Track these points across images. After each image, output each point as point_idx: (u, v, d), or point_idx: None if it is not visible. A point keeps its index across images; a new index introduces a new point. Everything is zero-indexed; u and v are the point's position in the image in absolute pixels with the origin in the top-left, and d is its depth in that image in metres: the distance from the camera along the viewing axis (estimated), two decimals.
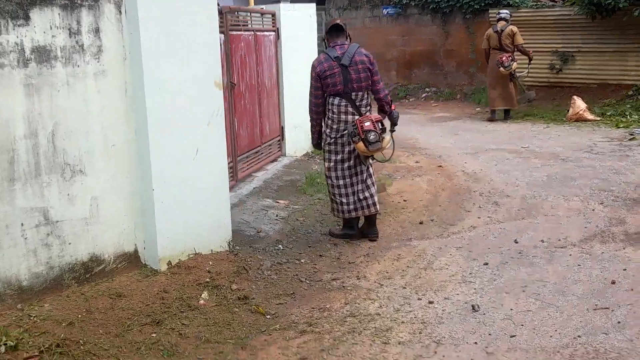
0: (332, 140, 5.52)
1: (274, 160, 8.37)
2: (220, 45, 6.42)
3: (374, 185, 5.65)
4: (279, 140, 8.57)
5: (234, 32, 6.95)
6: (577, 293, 4.33)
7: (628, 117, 10.64)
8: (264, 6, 8.56)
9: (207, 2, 4.85)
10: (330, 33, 5.57)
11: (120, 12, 4.43)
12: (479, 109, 12.85)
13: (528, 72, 12.00)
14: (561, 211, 6.15)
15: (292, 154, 8.75)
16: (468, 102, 13.88)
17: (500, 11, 11.75)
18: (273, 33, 8.25)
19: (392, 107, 5.85)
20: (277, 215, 6.25)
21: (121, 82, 4.47)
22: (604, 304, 4.14)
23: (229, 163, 6.69)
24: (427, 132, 10.80)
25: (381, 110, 5.74)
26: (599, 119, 10.82)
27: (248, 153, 7.48)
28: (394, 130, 5.99)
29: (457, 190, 7.08)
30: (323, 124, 5.65)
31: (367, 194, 5.54)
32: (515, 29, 11.33)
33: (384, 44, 16.09)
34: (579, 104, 10.92)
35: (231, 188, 6.85)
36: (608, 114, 11.02)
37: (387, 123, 5.63)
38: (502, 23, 11.39)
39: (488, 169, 7.96)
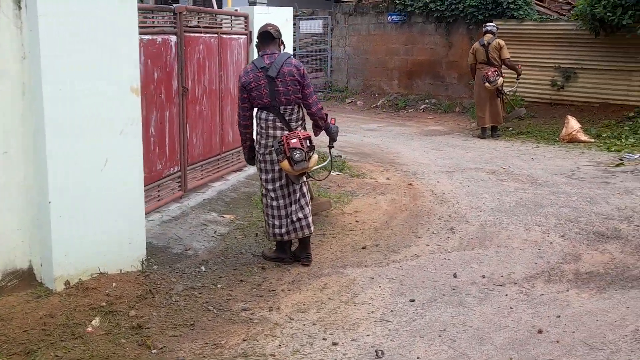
0: (261, 157, 5.16)
1: (239, 169, 8.04)
2: (171, 47, 6.15)
3: (308, 206, 5.28)
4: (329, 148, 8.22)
5: (191, 34, 6.64)
6: (497, 342, 3.93)
7: (623, 140, 10.14)
8: (238, 8, 8.25)
9: None
10: (261, 40, 5.19)
11: (19, 7, 4.11)
12: (474, 123, 12.36)
13: (517, 88, 11.57)
14: (516, 242, 5.74)
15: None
16: (465, 116, 13.44)
17: (487, 24, 11.32)
18: (244, 37, 7.93)
19: (332, 121, 5.53)
20: (215, 232, 5.93)
21: (18, 82, 4.16)
22: (521, 358, 3.74)
23: (176, 172, 6.42)
24: (411, 147, 10.40)
25: (316, 126, 5.38)
26: (592, 140, 10.32)
27: (204, 162, 7.18)
28: (332, 146, 5.72)
29: (417, 213, 6.69)
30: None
31: (300, 215, 5.17)
32: (502, 42, 10.89)
33: (387, 52, 15.72)
34: (573, 124, 10.43)
35: (178, 199, 6.59)
36: (604, 135, 10.52)
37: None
38: (488, 36, 10.96)
39: (458, 190, 7.55)
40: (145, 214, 5.88)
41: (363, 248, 5.65)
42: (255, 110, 5.15)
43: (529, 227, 6.15)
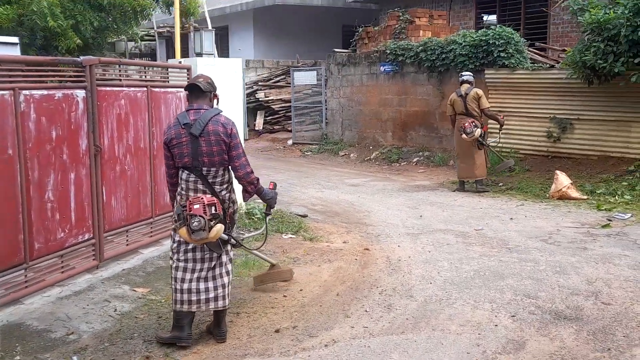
0: (177, 216, 4.58)
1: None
2: (77, 103, 5.59)
3: (227, 276, 4.70)
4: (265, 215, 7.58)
5: (107, 89, 6.08)
6: None
7: (618, 197, 9.25)
8: (180, 60, 7.72)
9: None
10: (189, 93, 4.67)
11: None
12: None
13: (500, 139, 10.84)
14: (456, 324, 4.91)
15: None
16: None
17: (463, 73, 10.69)
18: (184, 91, 7.34)
19: (270, 186, 5.02)
20: (116, 310, 5.24)
21: None
22: None
23: (88, 239, 5.78)
24: (387, 204, 9.64)
25: (245, 191, 4.80)
26: (585, 197, 9.45)
27: (130, 226, 6.53)
28: (269, 214, 5.15)
29: (359, 285, 5.92)
30: None
31: (210, 285, 4.60)
32: (480, 92, 10.23)
33: (380, 103, 15.14)
34: (562, 180, 9.59)
35: (93, 270, 5.94)
36: (598, 191, 9.65)
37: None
38: (465, 86, 10.31)
39: (416, 257, 6.77)
40: (44, 287, 5.29)
41: (276, 331, 4.88)
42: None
43: (478, 303, 5.33)
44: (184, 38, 26.26)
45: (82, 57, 5.77)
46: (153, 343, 4.65)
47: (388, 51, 14.57)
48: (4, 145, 4.92)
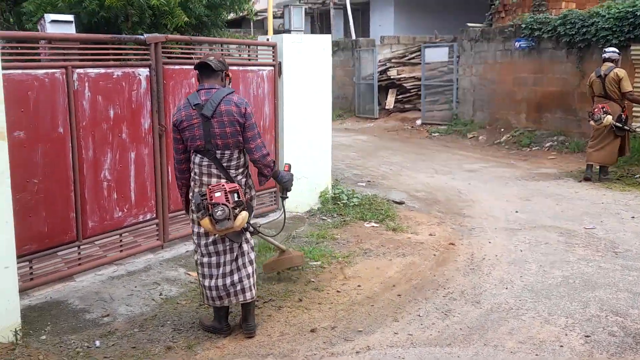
0: (195, 207, 4.27)
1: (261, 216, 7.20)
2: (139, 81, 5.52)
3: (249, 266, 4.41)
4: (273, 192, 7.40)
5: (174, 67, 5.96)
6: None
7: None
8: (269, 37, 7.46)
9: None
10: (199, 73, 4.38)
11: None
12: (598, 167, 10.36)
13: None
14: (514, 340, 4.26)
15: (292, 208, 7.49)
16: None
17: (606, 49, 9.46)
18: (269, 68, 7.11)
19: (286, 168, 4.64)
20: (162, 294, 5.14)
21: None
22: None
23: (150, 219, 5.76)
24: (496, 194, 8.84)
25: (261, 174, 4.45)
26: None
27: None
28: (286, 197, 4.73)
29: (425, 285, 5.38)
30: None
31: (236, 278, 4.34)
32: (621, 72, 8.98)
33: (514, 82, 14.03)
34: None
35: (154, 250, 5.91)
36: None
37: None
38: (607, 65, 9.11)
39: (505, 256, 6.08)
40: (99, 266, 5.32)
41: (312, 331, 4.51)
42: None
43: (551, 317, 4.61)
44: (327, 15, 26.27)
45: (146, 35, 5.67)
46: (182, 332, 4.47)
47: (523, 25, 13.40)
48: (55, 123, 4.93)
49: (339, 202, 7.76)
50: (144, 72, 5.62)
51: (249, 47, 7.12)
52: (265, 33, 13.40)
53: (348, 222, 7.22)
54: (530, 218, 7.47)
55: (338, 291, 5.24)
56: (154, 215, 5.87)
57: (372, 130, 16.95)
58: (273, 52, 7.16)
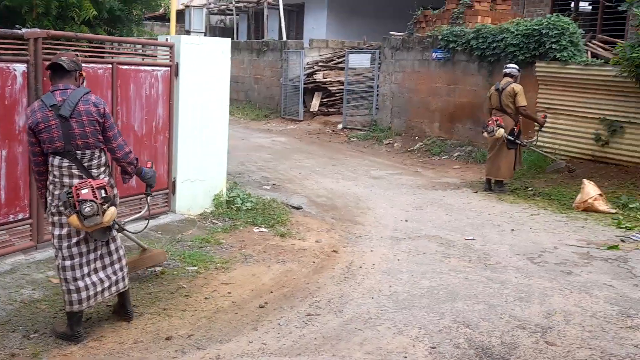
0: (54, 209, 4.31)
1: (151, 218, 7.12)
2: (15, 77, 5.39)
3: (120, 261, 4.56)
4: (165, 194, 7.34)
5: None
6: None
7: None
8: (168, 37, 7.41)
9: None
10: (52, 73, 4.37)
11: None
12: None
13: (537, 140, 9.93)
14: (362, 351, 4.38)
15: (184, 211, 7.47)
16: None
17: (507, 65, 9.86)
18: (165, 69, 7.07)
19: (148, 165, 4.75)
20: (23, 298, 5.04)
21: None
22: None
23: (23, 219, 5.63)
24: (393, 202, 9.03)
25: (124, 172, 4.56)
26: (613, 211, 8.46)
27: None
28: (149, 194, 4.84)
29: (296, 293, 5.47)
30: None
31: (104, 275, 4.46)
32: (517, 88, 9.35)
33: (430, 92, 14.35)
34: (589, 191, 8.63)
35: (27, 250, 5.79)
36: (632, 205, 8.60)
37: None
38: (505, 79, 9.47)
39: (381, 265, 6.24)
40: None
41: (167, 339, 4.52)
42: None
43: (406, 328, 4.76)
44: (261, 17, 26.21)
45: (24, 30, 5.56)
46: (33, 339, 4.40)
47: (440, 37, 13.74)
48: None
49: (232, 206, 7.78)
50: (20, 67, 5.51)
51: (143, 46, 7.05)
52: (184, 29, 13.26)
53: (238, 226, 7.25)
54: (417, 227, 7.66)
55: (206, 298, 5.27)
56: (27, 215, 5.76)
57: (294, 132, 17.02)
58: (170, 52, 7.13)
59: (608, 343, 4.54)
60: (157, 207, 7.28)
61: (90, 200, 4.05)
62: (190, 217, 7.44)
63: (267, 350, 4.38)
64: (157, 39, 7.77)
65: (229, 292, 5.40)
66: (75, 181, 4.22)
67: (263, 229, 7.23)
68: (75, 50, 6.31)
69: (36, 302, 4.97)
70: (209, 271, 5.85)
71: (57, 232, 4.33)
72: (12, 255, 5.72)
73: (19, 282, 5.30)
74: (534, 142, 10.40)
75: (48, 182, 4.35)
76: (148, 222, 5.07)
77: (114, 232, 4.49)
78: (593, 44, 12.09)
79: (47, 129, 4.18)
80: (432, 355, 4.33)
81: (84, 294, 4.33)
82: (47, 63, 5.52)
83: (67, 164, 4.23)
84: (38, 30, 5.69)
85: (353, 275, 5.93)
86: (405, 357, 4.30)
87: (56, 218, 4.30)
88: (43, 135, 4.20)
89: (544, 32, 11.37)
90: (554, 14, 11.85)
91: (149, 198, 4.89)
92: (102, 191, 4.16)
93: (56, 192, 4.26)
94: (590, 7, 16.84)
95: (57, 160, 4.24)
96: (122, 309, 4.69)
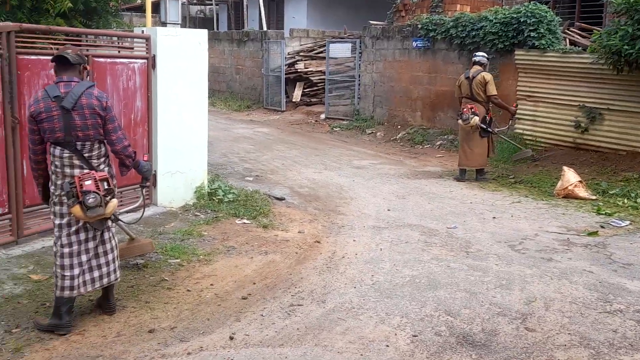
0: (57, 199, 4.43)
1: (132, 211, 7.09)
2: None
3: (112, 251, 4.67)
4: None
5: (30, 57, 5.79)
6: None
7: (629, 200, 8.31)
8: (144, 29, 7.35)
9: None
10: (57, 66, 4.45)
11: None
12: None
13: (509, 128, 10.02)
14: (344, 341, 4.40)
15: (166, 204, 7.44)
16: None
17: (476, 53, 9.94)
18: (142, 61, 7.02)
19: (144, 158, 4.90)
20: (4, 293, 4.99)
21: None
22: None
23: (2, 214, 5.58)
24: (376, 192, 9.05)
25: (122, 165, 4.66)
26: (593, 197, 8.56)
27: None
28: (146, 186, 4.95)
29: (278, 284, 5.48)
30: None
31: (98, 262, 4.58)
32: (488, 76, 9.42)
33: (411, 80, 14.38)
34: (569, 177, 8.72)
35: (7, 245, 5.74)
36: (612, 192, 8.70)
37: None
38: (475, 68, 9.54)
39: (364, 254, 6.27)
40: None
41: (150, 331, 4.52)
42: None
43: (388, 317, 4.79)
44: (241, 6, 26.07)
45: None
46: (14, 333, 4.38)
47: (420, 25, 13.76)
48: None
49: (214, 198, 7.76)
50: None
51: (120, 38, 6.99)
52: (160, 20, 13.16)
53: (220, 218, 7.24)
54: (399, 216, 7.70)
55: (188, 290, 5.27)
56: (6, 209, 5.72)
57: (276, 123, 16.99)
58: (147, 44, 7.08)
59: (587, 328, 4.60)
60: (139, 200, 7.24)
61: (94, 192, 4.21)
62: (172, 210, 7.42)
63: (250, 341, 4.39)
64: (133, 31, 7.69)
65: (211, 284, 5.40)
66: (77, 172, 4.34)
67: (245, 221, 7.22)
68: (50, 43, 6.28)
69: (17, 297, 4.94)
70: (192, 263, 5.84)
71: (57, 221, 4.44)
72: None
73: (1, 276, 5.26)
74: (506, 131, 10.51)
75: (50, 172, 4.45)
76: (143, 211, 5.32)
77: (109, 222, 4.60)
78: (571, 31, 12.19)
79: (48, 119, 4.27)
80: (414, 344, 4.36)
81: (76, 281, 4.43)
82: (21, 57, 5.53)
83: (67, 155, 4.34)
84: (10, 23, 5.62)
85: (335, 265, 5.95)
86: (387, 346, 4.33)
87: (57, 208, 4.42)
88: (44, 124, 4.29)
89: (522, 20, 11.43)
90: (532, 2, 11.90)
91: (144, 190, 5.02)
92: (105, 183, 4.33)
93: (58, 182, 4.37)
94: None
95: (57, 151, 4.35)
96: (105, 302, 4.74)
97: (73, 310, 4.54)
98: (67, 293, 4.43)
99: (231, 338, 4.42)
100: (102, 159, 4.51)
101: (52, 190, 4.45)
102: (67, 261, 4.42)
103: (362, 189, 9.24)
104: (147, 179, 4.91)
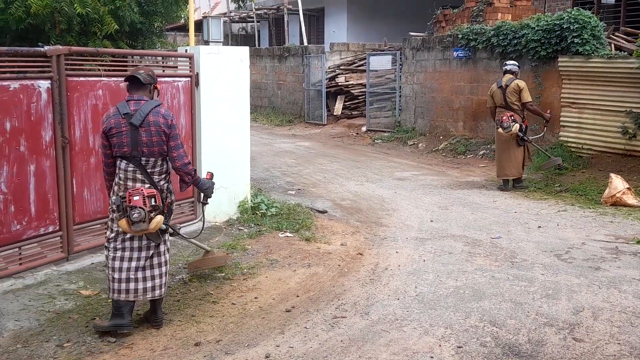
0: (117, 207, 4.63)
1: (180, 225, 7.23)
2: (39, 94, 5.53)
3: (165, 265, 4.80)
4: (191, 202, 7.43)
5: (79, 79, 5.98)
6: None
7: None
8: (187, 48, 7.51)
9: None
10: (129, 85, 4.72)
11: None
12: (525, 175, 10.52)
13: (544, 135, 9.90)
14: (388, 352, 4.39)
15: (210, 218, 7.55)
16: None
17: (507, 62, 9.86)
18: (186, 79, 7.17)
19: (208, 176, 5.06)
20: (55, 308, 5.15)
21: None
22: None
23: (53, 232, 5.76)
24: (418, 203, 9.02)
25: (182, 181, 4.86)
26: None
27: (102, 220, 6.41)
28: (206, 203, 5.09)
29: (322, 296, 5.50)
30: None
31: (148, 274, 4.72)
32: (522, 84, 9.36)
33: (452, 90, 14.30)
34: (617, 185, 8.54)
35: (58, 262, 5.92)
36: None
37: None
38: (507, 77, 9.48)
39: (407, 266, 6.24)
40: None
41: (196, 344, 4.59)
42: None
43: (432, 328, 4.76)
44: (281, 22, 26.36)
45: (47, 47, 5.69)
46: (66, 347, 4.50)
47: (460, 35, 13.68)
48: None
49: (257, 212, 7.84)
50: (44, 84, 5.64)
51: (163, 58, 7.17)
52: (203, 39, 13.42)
53: (263, 232, 7.31)
54: (442, 227, 7.65)
55: (233, 303, 5.33)
56: (57, 227, 5.89)
57: (318, 137, 17.08)
58: (190, 63, 7.22)
59: (637, 338, 4.50)
60: (184, 215, 7.37)
61: (139, 207, 4.40)
62: (216, 224, 7.53)
63: (294, 354, 4.42)
64: (177, 50, 7.87)
65: (255, 297, 5.46)
66: (138, 185, 4.55)
67: (288, 234, 7.28)
68: (97, 65, 6.47)
69: (68, 313, 5.07)
70: (236, 277, 5.91)
71: (115, 227, 4.66)
72: (45, 267, 5.84)
73: (51, 293, 5.42)
74: (541, 138, 10.44)
75: (114, 183, 4.69)
76: (203, 226, 5.54)
77: (166, 236, 4.79)
78: (616, 36, 11.97)
79: (118, 134, 4.54)
80: (459, 355, 4.33)
81: (123, 286, 4.62)
82: (70, 79, 5.72)
83: (132, 169, 4.58)
84: (60, 47, 5.81)
85: (378, 277, 5.94)
86: (432, 357, 4.30)
87: (115, 215, 4.63)
88: (114, 139, 4.56)
89: (565, 26, 11.26)
90: (575, 8, 11.72)
91: (204, 207, 5.16)
92: (152, 200, 4.50)
93: (120, 193, 4.59)
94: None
95: (123, 164, 4.60)
96: (152, 315, 4.85)
97: (132, 310, 4.74)
98: (115, 296, 4.63)
99: (277, 346, 4.45)
100: (164, 175, 4.72)
101: (112, 200, 4.66)
102: (117, 264, 4.63)
103: (404, 200, 9.21)
104: (208, 196, 5.04)
